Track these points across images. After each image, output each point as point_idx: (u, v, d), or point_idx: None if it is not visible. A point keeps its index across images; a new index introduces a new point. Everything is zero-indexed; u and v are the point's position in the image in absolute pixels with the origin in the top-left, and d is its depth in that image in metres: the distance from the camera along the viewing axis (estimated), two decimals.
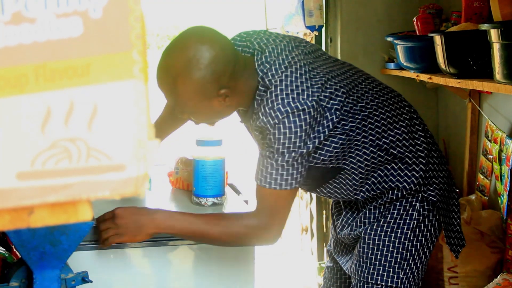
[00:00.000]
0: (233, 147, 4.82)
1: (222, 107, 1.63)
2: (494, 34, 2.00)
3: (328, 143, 1.68)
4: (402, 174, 1.78)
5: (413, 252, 1.80)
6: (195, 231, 1.66)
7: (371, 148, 1.74)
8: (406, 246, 1.79)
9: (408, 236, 1.79)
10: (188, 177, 2.09)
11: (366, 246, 1.82)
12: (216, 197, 1.94)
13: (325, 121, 1.65)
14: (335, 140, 1.69)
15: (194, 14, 19.91)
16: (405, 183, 1.78)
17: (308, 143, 1.62)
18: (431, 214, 1.82)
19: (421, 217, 1.80)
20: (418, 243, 1.81)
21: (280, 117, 1.58)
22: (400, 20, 3.33)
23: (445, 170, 1.88)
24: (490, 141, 2.83)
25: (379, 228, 1.81)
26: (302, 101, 1.60)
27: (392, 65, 3.24)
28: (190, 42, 1.57)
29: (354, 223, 1.87)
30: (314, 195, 3.72)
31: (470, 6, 2.59)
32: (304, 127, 1.60)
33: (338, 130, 1.68)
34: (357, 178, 1.77)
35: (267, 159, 1.63)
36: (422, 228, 1.81)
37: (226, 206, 1.97)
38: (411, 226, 1.80)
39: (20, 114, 0.62)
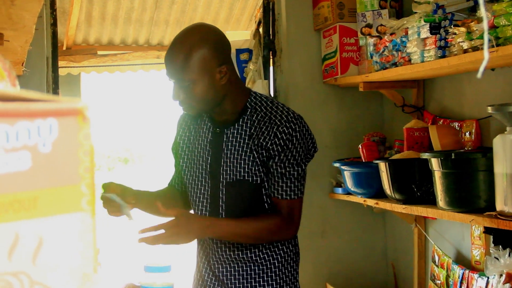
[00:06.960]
0: (182, 273, 4.73)
1: (219, 83, 1.94)
2: (435, 163, 2.09)
3: None
4: None
5: None
6: (235, 232, 1.95)
7: None
8: None
9: None
10: None
11: None
12: None
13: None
14: None
15: (145, 138, 20.07)
16: None
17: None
18: None
19: None
20: None
21: (300, 123, 1.98)
22: (346, 147, 3.44)
23: None
24: (437, 266, 2.86)
25: None
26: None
27: (340, 190, 3.30)
28: (201, 25, 2.03)
29: None
30: None
31: (411, 135, 2.70)
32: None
33: None
34: None
35: (294, 173, 1.95)
36: None
37: None
38: None
39: None
